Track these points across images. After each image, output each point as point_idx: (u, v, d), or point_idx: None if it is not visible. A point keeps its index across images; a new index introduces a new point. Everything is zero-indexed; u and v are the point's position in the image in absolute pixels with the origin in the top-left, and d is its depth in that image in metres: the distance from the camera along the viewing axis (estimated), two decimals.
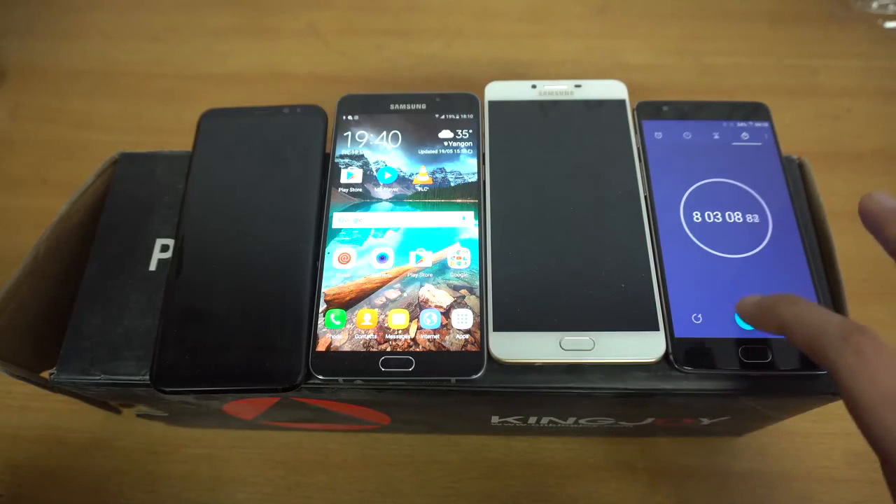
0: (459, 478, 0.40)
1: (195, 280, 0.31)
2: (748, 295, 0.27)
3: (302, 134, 0.35)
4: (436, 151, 0.34)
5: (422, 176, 0.33)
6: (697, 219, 0.32)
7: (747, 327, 0.29)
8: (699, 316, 0.30)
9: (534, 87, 0.36)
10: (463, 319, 0.29)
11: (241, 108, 0.36)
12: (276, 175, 0.34)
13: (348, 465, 0.41)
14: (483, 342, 0.29)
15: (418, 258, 0.31)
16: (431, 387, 0.29)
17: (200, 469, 0.41)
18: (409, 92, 0.36)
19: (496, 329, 0.29)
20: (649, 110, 0.35)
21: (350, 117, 0.35)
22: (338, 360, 0.29)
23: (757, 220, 0.32)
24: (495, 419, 0.36)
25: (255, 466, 0.41)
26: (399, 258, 0.31)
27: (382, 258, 0.31)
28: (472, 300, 0.30)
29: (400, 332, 0.29)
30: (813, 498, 0.39)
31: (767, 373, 0.29)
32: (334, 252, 0.31)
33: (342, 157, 0.34)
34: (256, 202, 0.33)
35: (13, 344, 0.31)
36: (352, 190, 0.33)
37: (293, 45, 0.58)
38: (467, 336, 0.29)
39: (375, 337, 0.29)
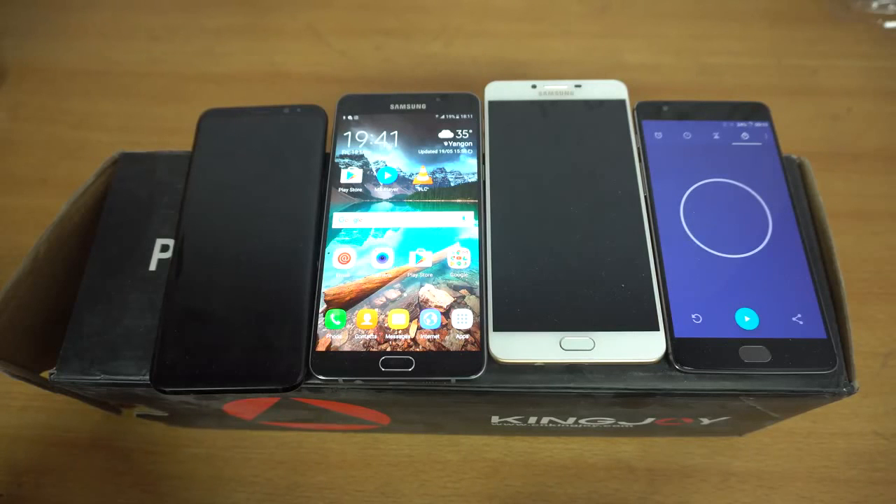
0: (459, 478, 0.40)
1: (195, 280, 0.31)
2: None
3: (302, 134, 0.35)
4: (436, 151, 0.34)
5: (422, 176, 0.33)
6: (697, 219, 0.32)
7: (747, 327, 0.29)
8: (699, 316, 0.30)
9: (534, 87, 0.36)
10: (463, 319, 0.29)
11: (241, 108, 0.36)
12: (275, 175, 0.34)
13: (348, 465, 0.41)
14: (483, 342, 0.29)
15: (418, 258, 0.31)
16: (431, 387, 0.29)
17: (200, 469, 0.41)
18: (409, 92, 0.36)
19: (496, 329, 0.29)
20: (649, 110, 0.35)
21: (350, 117, 0.35)
22: (338, 360, 0.29)
23: (757, 220, 0.32)
24: (495, 419, 0.36)
25: (255, 466, 0.41)
26: (399, 258, 0.31)
27: (382, 258, 0.31)
28: (472, 300, 0.30)
29: (400, 332, 0.29)
30: (813, 498, 0.39)
31: (767, 373, 0.29)
32: (334, 252, 0.31)
33: (342, 157, 0.34)
34: (256, 202, 0.33)
35: (13, 344, 0.31)
36: (352, 190, 0.33)
37: (293, 45, 0.58)
38: (467, 336, 0.29)
39: (375, 337, 0.29)
